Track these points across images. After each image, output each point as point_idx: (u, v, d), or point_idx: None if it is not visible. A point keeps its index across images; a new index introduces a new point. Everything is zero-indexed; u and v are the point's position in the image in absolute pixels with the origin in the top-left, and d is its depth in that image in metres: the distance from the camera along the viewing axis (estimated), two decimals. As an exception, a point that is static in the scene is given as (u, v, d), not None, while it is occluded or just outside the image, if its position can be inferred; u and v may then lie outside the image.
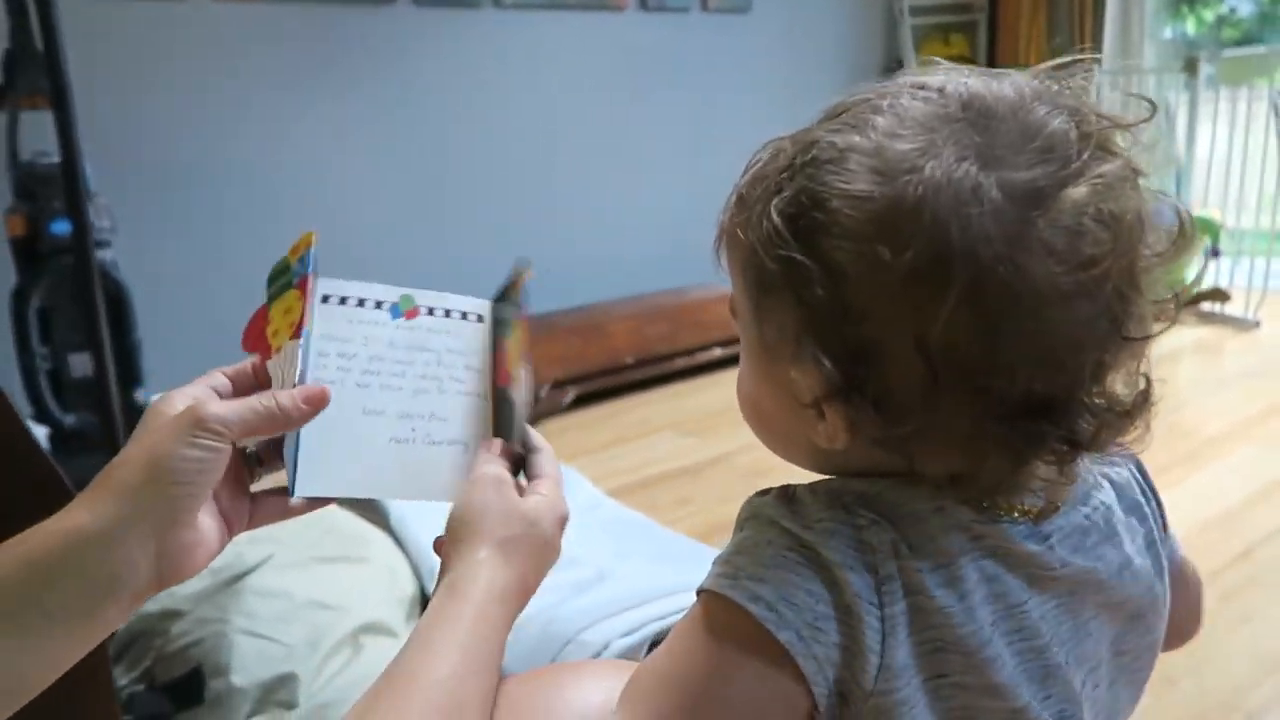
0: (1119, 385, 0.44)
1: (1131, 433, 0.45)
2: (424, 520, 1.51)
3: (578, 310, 2.96)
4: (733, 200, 0.49)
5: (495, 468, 0.57)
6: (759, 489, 0.49)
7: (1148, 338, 0.43)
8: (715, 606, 0.44)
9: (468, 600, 0.51)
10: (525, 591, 0.54)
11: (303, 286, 0.56)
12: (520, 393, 0.61)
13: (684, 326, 2.92)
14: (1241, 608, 1.48)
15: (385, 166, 2.77)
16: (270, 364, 0.55)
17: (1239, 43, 4.62)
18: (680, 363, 2.84)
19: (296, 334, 0.54)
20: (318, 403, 0.53)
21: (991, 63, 3.76)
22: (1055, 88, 0.44)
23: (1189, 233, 0.43)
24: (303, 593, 1.14)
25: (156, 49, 2.39)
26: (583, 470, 2.02)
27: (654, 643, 1.21)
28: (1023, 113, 0.43)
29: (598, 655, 1.16)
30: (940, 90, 0.44)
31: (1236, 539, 1.71)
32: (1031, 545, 0.46)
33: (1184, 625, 0.60)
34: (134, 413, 1.91)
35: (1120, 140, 0.44)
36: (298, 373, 0.53)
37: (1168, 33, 3.89)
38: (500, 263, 2.90)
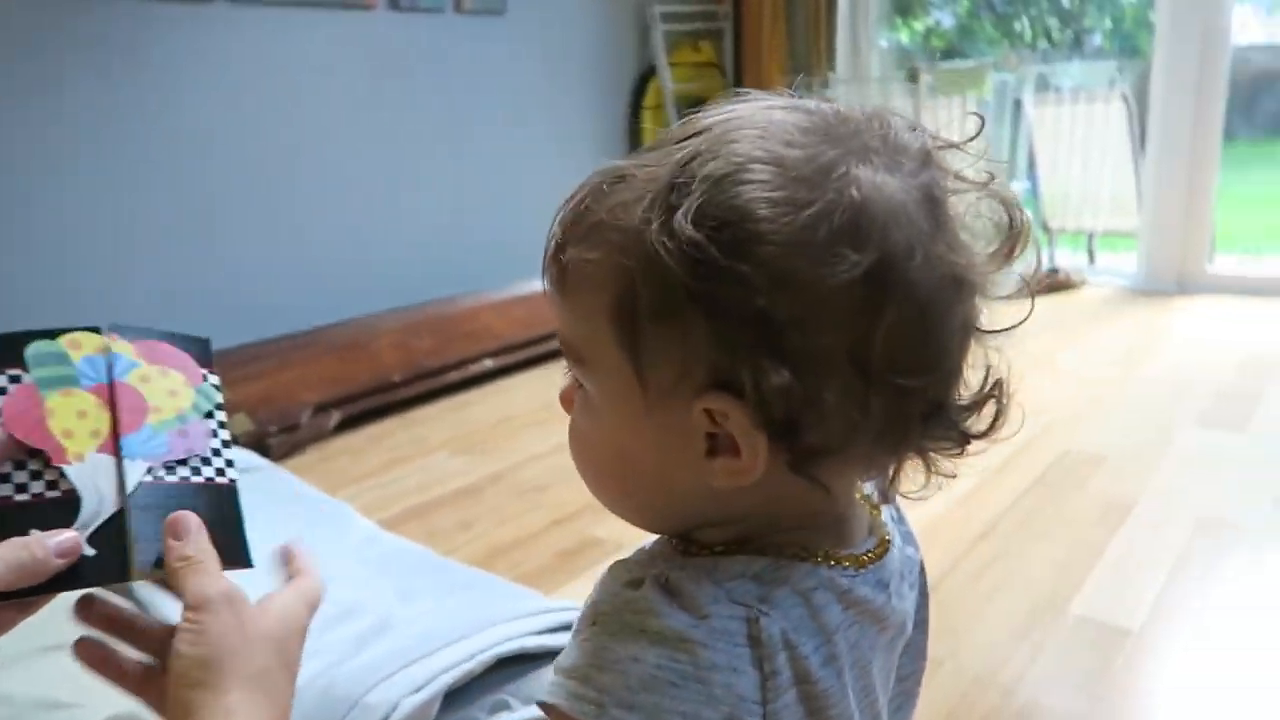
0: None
1: (992, 419, 0.45)
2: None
3: (337, 326, 2.80)
4: (578, 231, 0.44)
5: (220, 583, 0.49)
6: (614, 561, 0.46)
7: (1005, 329, 0.45)
8: None
9: None
10: (287, 717, 0.50)
11: (103, 394, 0.53)
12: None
13: (453, 338, 2.83)
14: (988, 584, 1.63)
15: (109, 174, 2.48)
16: (73, 472, 0.50)
17: (945, 52, 5.11)
18: (452, 376, 2.75)
19: (112, 449, 0.52)
20: (72, 556, 0.48)
21: (738, 66, 3.92)
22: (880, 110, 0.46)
23: (1028, 230, 0.46)
24: (29, 692, 0.99)
25: None
26: (354, 499, 1.90)
27: (448, 694, 1.15)
28: (884, 127, 0.43)
29: (386, 718, 1.08)
30: (803, 108, 0.44)
31: (977, 519, 1.87)
32: (880, 597, 0.47)
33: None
34: None
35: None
36: (125, 490, 0.51)
37: (884, 42, 4.21)
38: (241, 278, 2.73)
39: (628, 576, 0.44)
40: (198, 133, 2.63)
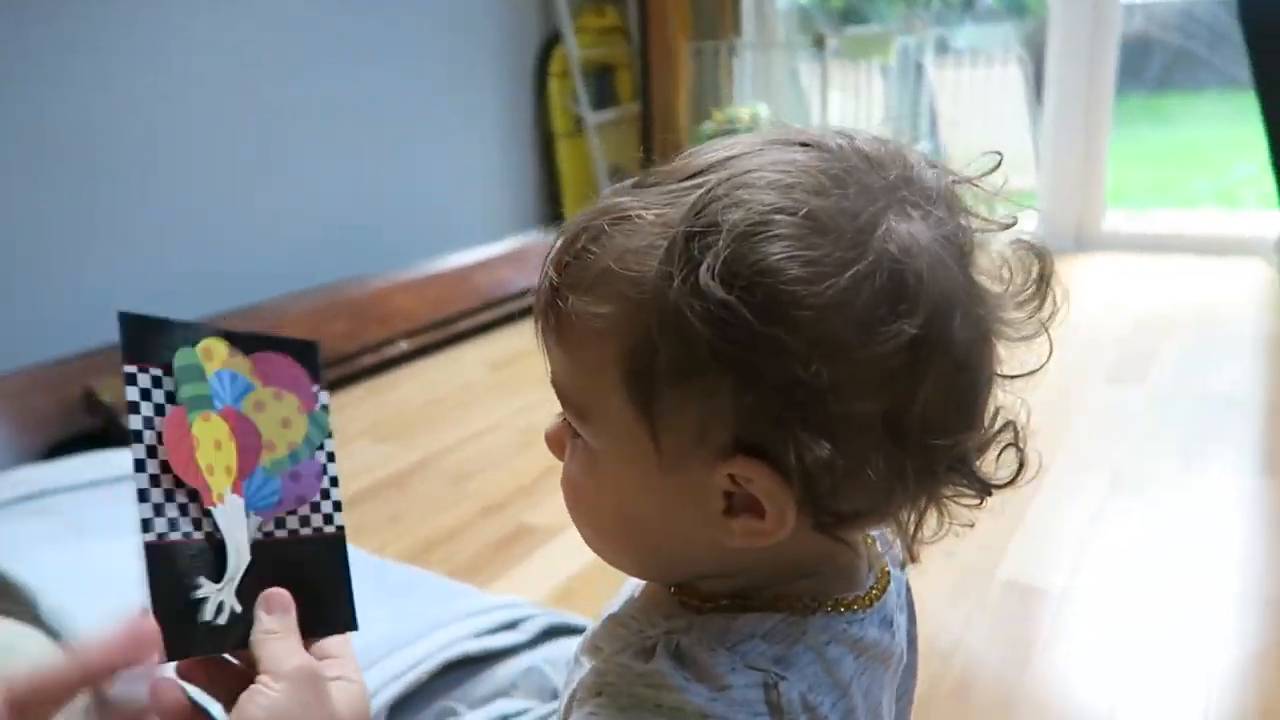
0: None
1: (1016, 468, 0.45)
2: (90, 601, 1.29)
3: (243, 312, 2.68)
4: (583, 278, 0.40)
5: (302, 657, 0.45)
6: (608, 617, 0.44)
7: (1026, 374, 0.44)
8: None
9: None
10: None
11: (231, 420, 0.48)
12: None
13: (366, 321, 2.74)
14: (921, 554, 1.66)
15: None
16: (218, 514, 0.46)
17: (844, 12, 5.13)
18: (367, 360, 2.67)
19: (240, 489, 0.48)
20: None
21: (643, 31, 3.87)
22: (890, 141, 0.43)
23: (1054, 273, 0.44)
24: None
25: None
26: (274, 498, 1.84)
27: (393, 705, 1.12)
28: (907, 166, 0.41)
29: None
30: (823, 146, 0.41)
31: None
32: (886, 637, 0.46)
33: None
34: None
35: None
36: (247, 543, 0.47)
37: (782, 3, 4.20)
38: (133, 268, 2.59)
39: (636, 643, 0.42)
40: (74, 117, 2.46)
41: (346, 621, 0.50)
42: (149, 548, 0.44)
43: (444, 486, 2.02)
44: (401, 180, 3.22)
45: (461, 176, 3.43)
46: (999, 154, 0.45)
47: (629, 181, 0.43)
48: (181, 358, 0.47)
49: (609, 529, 0.46)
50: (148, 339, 0.46)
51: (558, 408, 0.46)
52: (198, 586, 0.44)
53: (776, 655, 0.41)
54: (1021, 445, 0.44)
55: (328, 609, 0.49)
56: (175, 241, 2.67)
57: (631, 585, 0.51)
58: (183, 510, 0.45)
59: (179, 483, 0.45)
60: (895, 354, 0.37)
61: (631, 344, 0.39)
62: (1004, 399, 0.44)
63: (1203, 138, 5.34)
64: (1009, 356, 0.43)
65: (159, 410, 0.45)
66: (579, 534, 0.47)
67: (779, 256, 0.37)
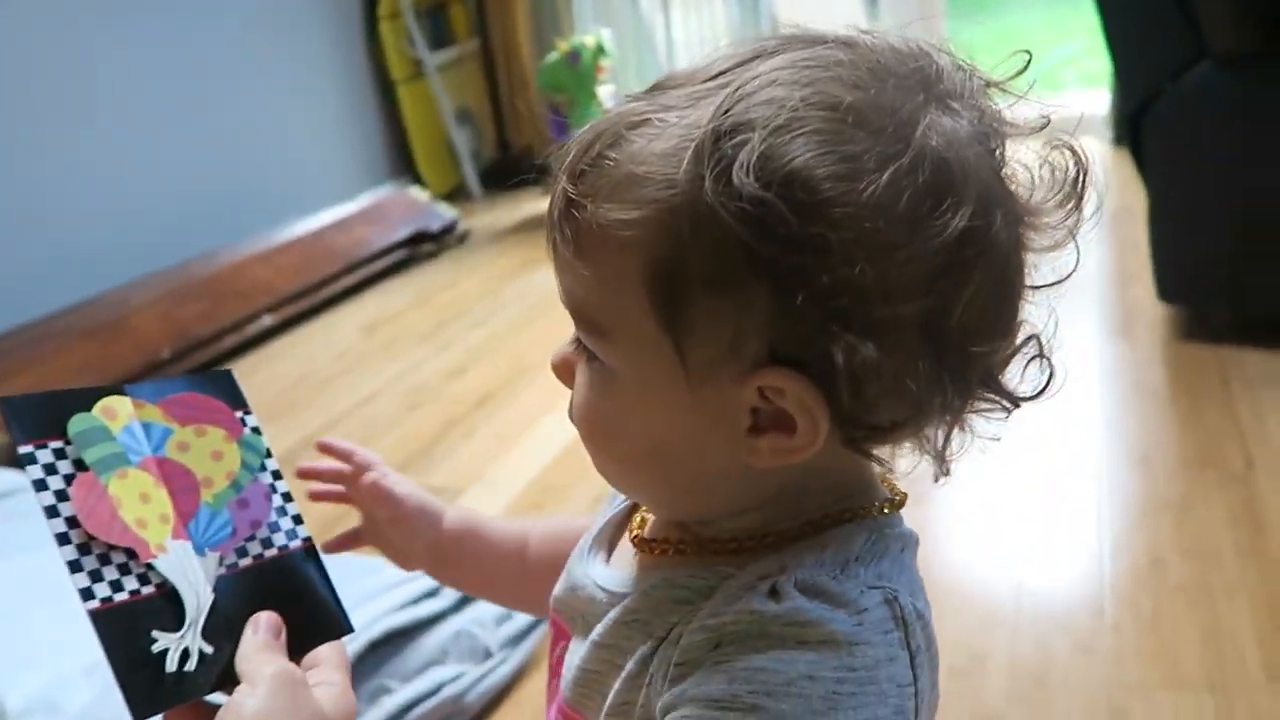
0: None
1: (1045, 382, 0.43)
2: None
3: (84, 306, 2.48)
4: (602, 185, 0.38)
5: (278, 663, 0.44)
6: (660, 579, 0.42)
7: (1055, 284, 0.43)
8: None
9: None
10: None
11: (152, 470, 0.48)
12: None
13: (223, 299, 2.59)
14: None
15: None
16: (162, 565, 0.45)
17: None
18: (230, 341, 2.52)
19: (183, 533, 0.47)
20: None
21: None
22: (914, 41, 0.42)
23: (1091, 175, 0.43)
24: None
25: None
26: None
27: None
28: (938, 66, 0.40)
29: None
30: (853, 43, 0.40)
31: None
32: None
33: None
34: None
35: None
36: (209, 583, 0.47)
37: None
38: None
39: (737, 592, 0.40)
40: None
41: (339, 628, 0.50)
42: (94, 615, 0.43)
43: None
44: (237, 147, 3.02)
45: (301, 136, 3.24)
46: (1028, 53, 0.43)
47: (640, 91, 0.41)
48: (77, 424, 0.46)
49: (628, 456, 0.43)
50: (36, 416, 0.46)
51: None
52: (155, 640, 0.44)
53: (879, 571, 0.41)
54: (1048, 356, 0.43)
55: (315, 620, 0.49)
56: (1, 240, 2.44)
57: (606, 576, 0.47)
58: (123, 570, 0.45)
59: (112, 545, 0.45)
60: (941, 251, 0.36)
61: (659, 252, 0.37)
62: (1028, 311, 0.43)
63: (1021, 25, 5.55)
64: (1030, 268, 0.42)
65: (69, 480, 0.45)
66: (595, 465, 0.45)
67: (817, 152, 0.35)
